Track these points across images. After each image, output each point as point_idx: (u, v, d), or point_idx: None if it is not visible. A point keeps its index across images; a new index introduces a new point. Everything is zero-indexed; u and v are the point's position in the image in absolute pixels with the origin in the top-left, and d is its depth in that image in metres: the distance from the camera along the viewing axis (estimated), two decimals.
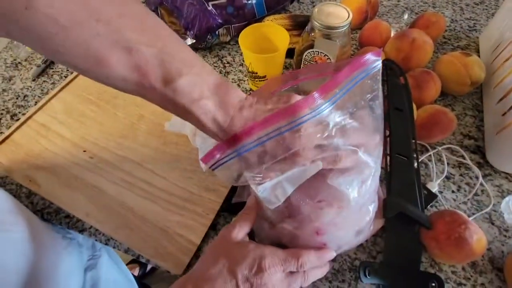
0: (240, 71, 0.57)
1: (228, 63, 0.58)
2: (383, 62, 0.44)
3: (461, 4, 0.66)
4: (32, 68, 0.57)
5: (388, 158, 0.36)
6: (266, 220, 0.33)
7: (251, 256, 0.24)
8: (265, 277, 0.23)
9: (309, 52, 0.43)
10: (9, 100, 0.53)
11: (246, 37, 0.46)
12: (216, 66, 0.57)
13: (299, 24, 0.58)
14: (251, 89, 0.54)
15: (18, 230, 0.33)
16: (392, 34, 0.52)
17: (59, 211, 0.41)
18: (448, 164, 0.42)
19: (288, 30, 0.47)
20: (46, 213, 0.41)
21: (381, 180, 0.39)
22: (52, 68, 0.58)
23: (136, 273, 1.02)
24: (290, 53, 0.48)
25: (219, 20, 0.55)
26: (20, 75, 0.56)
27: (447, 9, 0.65)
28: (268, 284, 0.23)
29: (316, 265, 0.27)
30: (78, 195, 0.40)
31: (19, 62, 0.59)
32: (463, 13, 0.64)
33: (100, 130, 0.47)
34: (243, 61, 0.58)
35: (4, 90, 0.54)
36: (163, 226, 0.38)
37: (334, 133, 0.24)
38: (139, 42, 0.20)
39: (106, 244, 0.39)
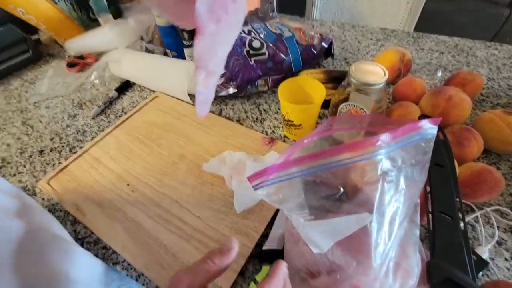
0: (276, 118, 0.60)
1: (264, 110, 0.62)
2: (419, 117, 0.45)
3: (497, 64, 0.66)
4: (93, 108, 0.65)
5: (430, 216, 0.34)
6: (297, 273, 0.32)
7: None
8: None
9: (344, 105, 0.45)
10: (70, 134, 0.60)
11: (285, 88, 0.50)
12: (253, 113, 0.61)
13: (333, 78, 0.62)
14: (285, 136, 0.56)
15: None
16: (426, 90, 0.54)
17: (98, 241, 0.43)
18: (498, 227, 0.38)
19: (322, 83, 0.50)
20: (86, 242, 0.43)
21: (422, 240, 0.37)
22: (110, 109, 0.65)
23: None
24: (324, 103, 0.51)
25: (259, 73, 0.61)
26: (83, 113, 0.65)
27: (482, 68, 0.66)
28: None
29: None
30: (118, 227, 0.43)
31: (83, 103, 0.68)
32: (500, 72, 0.64)
33: (144, 167, 0.51)
34: (279, 109, 0.62)
35: (68, 126, 0.62)
36: None
37: (381, 180, 0.26)
38: None
39: (137, 280, 0.39)
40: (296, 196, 0.31)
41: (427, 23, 1.18)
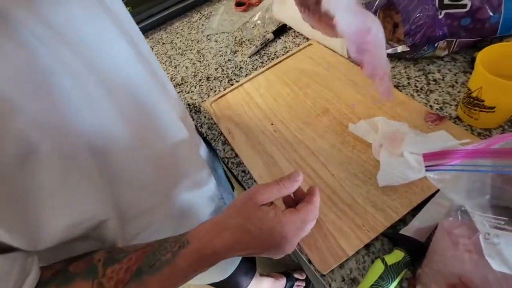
0: (448, 92, 0.48)
1: (434, 80, 0.50)
2: None
3: None
4: (251, 47, 0.70)
5: None
6: (446, 277, 0.27)
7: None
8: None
9: None
10: (230, 68, 0.68)
11: (489, 55, 0.37)
12: (418, 81, 0.51)
13: None
14: (457, 117, 0.45)
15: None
16: None
17: (240, 164, 0.49)
18: None
19: None
20: (231, 162, 0.50)
21: None
22: (265, 50, 0.69)
23: None
24: None
25: (446, 31, 0.48)
26: (242, 51, 0.71)
27: None
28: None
29: None
30: (257, 158, 0.47)
31: (243, 41, 0.74)
32: None
33: (288, 111, 0.52)
34: (456, 82, 0.49)
35: (229, 60, 0.70)
36: (319, 218, 0.38)
37: None
38: None
39: None
40: (478, 193, 0.25)
41: None
